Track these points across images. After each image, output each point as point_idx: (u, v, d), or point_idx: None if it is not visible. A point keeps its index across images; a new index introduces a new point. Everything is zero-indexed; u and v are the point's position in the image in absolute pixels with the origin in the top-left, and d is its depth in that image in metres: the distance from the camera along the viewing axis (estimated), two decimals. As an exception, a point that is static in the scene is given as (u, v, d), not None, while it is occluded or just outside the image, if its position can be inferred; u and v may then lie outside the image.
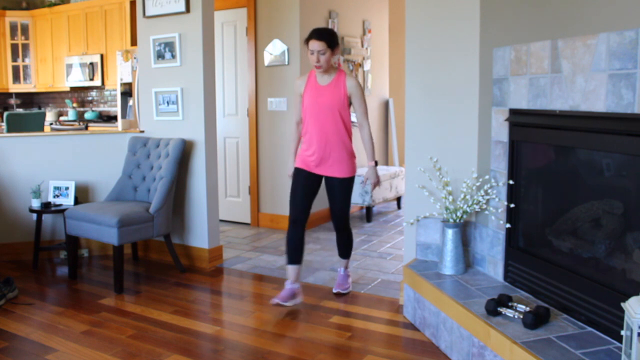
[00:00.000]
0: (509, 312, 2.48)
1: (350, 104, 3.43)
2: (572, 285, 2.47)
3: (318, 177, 3.49)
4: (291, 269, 3.43)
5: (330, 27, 5.79)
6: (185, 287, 3.94)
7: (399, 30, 7.31)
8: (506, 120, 2.89)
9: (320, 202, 5.77)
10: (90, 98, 8.37)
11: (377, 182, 3.53)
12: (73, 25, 7.77)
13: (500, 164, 2.98)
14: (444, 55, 3.26)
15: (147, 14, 4.46)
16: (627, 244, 2.28)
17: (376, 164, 3.52)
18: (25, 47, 8.26)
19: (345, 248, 3.75)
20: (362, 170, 6.19)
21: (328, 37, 3.30)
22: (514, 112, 2.84)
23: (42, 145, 4.58)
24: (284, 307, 3.38)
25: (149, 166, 4.34)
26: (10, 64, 8.23)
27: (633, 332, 1.84)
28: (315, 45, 3.29)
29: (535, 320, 2.35)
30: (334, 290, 3.72)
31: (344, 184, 3.47)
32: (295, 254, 3.42)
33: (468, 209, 3.05)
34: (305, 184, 3.45)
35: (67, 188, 4.40)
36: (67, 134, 4.76)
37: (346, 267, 3.81)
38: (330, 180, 3.49)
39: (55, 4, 8.06)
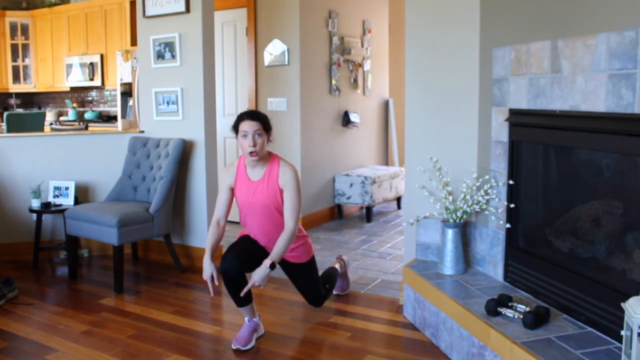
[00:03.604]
0: (509, 312, 2.48)
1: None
2: (572, 285, 2.47)
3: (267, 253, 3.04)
4: (244, 310, 3.01)
5: (330, 27, 5.79)
6: (185, 287, 3.94)
7: (399, 30, 7.31)
8: (506, 120, 2.89)
9: (321, 201, 5.78)
10: (90, 98, 8.37)
11: (260, 285, 2.86)
12: (73, 25, 7.77)
13: (500, 164, 2.98)
14: (444, 55, 3.26)
15: (147, 14, 4.46)
16: (627, 244, 2.28)
17: (272, 267, 2.85)
18: (25, 47, 8.25)
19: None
20: (362, 170, 6.22)
21: (263, 118, 2.93)
22: (514, 112, 2.84)
23: (42, 145, 4.58)
24: (244, 351, 2.91)
25: (149, 166, 4.34)
26: (10, 64, 8.22)
27: (633, 332, 1.84)
28: (250, 125, 2.85)
29: (535, 320, 2.35)
30: (334, 292, 3.70)
31: (303, 268, 3.16)
32: (239, 299, 2.95)
33: (468, 209, 3.05)
34: (249, 245, 3.02)
35: (67, 188, 4.40)
36: (67, 134, 4.76)
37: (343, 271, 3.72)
38: (286, 263, 3.13)
39: (55, 4, 8.05)
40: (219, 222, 3.05)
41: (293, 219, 2.93)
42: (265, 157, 2.99)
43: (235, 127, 2.93)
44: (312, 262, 3.21)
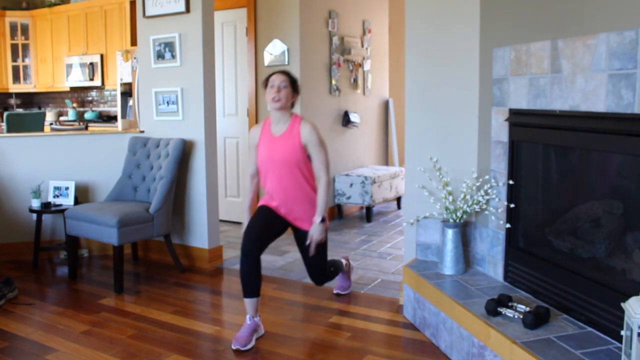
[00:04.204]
0: (509, 312, 2.48)
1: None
2: (572, 285, 2.47)
3: (284, 220, 3.17)
4: (248, 303, 3.03)
5: (330, 27, 5.80)
6: (185, 287, 3.94)
7: (399, 30, 7.31)
8: (506, 120, 2.89)
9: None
10: (90, 98, 8.37)
11: (322, 239, 3.11)
12: (73, 25, 7.77)
13: (500, 164, 2.98)
14: (444, 55, 3.26)
15: (147, 14, 4.46)
16: (627, 244, 2.28)
17: (323, 220, 3.08)
18: (25, 47, 8.25)
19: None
20: (362, 170, 6.22)
21: (292, 76, 3.11)
22: (514, 112, 2.84)
23: (42, 145, 4.58)
24: (244, 351, 2.94)
25: (149, 166, 4.34)
26: (10, 64, 8.23)
27: (633, 332, 1.84)
28: (278, 77, 3.05)
29: (535, 320, 2.35)
30: (334, 291, 3.71)
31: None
32: (250, 287, 3.01)
33: (468, 209, 3.05)
34: (267, 219, 3.10)
35: (67, 188, 4.40)
36: (67, 134, 4.76)
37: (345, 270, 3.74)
38: (299, 232, 3.19)
39: (55, 4, 8.06)
40: (252, 177, 3.26)
41: (324, 171, 3.08)
42: (288, 113, 3.11)
43: (265, 81, 3.10)
44: (324, 232, 3.21)
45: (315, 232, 3.07)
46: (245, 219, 3.18)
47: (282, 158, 3.04)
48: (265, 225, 3.08)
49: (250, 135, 3.24)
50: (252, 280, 3.00)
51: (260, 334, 3.09)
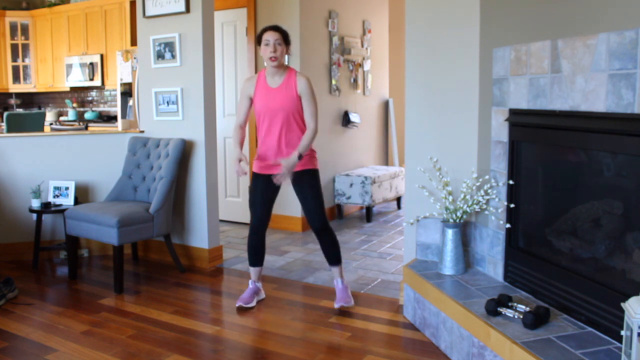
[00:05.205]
0: (509, 312, 2.48)
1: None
2: (572, 285, 2.47)
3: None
4: (253, 270, 3.56)
5: (330, 27, 5.80)
6: (185, 287, 3.94)
7: (399, 30, 7.31)
8: (506, 120, 2.89)
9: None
10: (90, 98, 8.37)
11: (287, 172, 3.20)
12: (73, 25, 7.78)
13: (500, 164, 2.98)
14: (444, 55, 3.26)
15: (147, 14, 4.46)
16: (627, 244, 2.28)
17: (300, 157, 3.22)
18: (25, 47, 8.26)
19: (332, 252, 3.43)
20: (362, 170, 6.22)
21: (284, 31, 3.28)
22: (514, 112, 2.84)
23: (42, 145, 4.58)
24: (248, 309, 3.46)
25: (149, 166, 4.34)
26: (10, 64, 8.23)
27: (633, 332, 1.84)
28: (272, 35, 3.22)
29: (535, 320, 2.35)
30: (336, 305, 3.39)
31: (308, 175, 3.32)
32: (256, 258, 3.52)
33: (468, 209, 3.05)
34: (264, 190, 3.38)
35: (67, 188, 4.40)
36: (67, 134, 4.76)
37: (342, 277, 3.50)
38: (294, 177, 3.32)
39: (55, 4, 8.06)
40: (240, 126, 3.44)
41: (313, 120, 3.31)
42: (283, 67, 3.32)
43: (259, 38, 3.28)
44: (317, 172, 3.40)
45: (286, 162, 3.19)
46: (235, 153, 3.35)
47: (280, 106, 3.26)
48: (266, 199, 3.40)
49: (244, 87, 3.41)
50: (258, 252, 3.50)
51: (260, 297, 3.59)
